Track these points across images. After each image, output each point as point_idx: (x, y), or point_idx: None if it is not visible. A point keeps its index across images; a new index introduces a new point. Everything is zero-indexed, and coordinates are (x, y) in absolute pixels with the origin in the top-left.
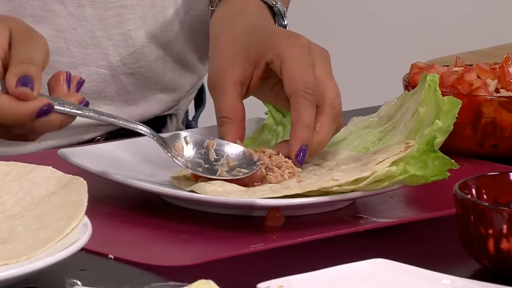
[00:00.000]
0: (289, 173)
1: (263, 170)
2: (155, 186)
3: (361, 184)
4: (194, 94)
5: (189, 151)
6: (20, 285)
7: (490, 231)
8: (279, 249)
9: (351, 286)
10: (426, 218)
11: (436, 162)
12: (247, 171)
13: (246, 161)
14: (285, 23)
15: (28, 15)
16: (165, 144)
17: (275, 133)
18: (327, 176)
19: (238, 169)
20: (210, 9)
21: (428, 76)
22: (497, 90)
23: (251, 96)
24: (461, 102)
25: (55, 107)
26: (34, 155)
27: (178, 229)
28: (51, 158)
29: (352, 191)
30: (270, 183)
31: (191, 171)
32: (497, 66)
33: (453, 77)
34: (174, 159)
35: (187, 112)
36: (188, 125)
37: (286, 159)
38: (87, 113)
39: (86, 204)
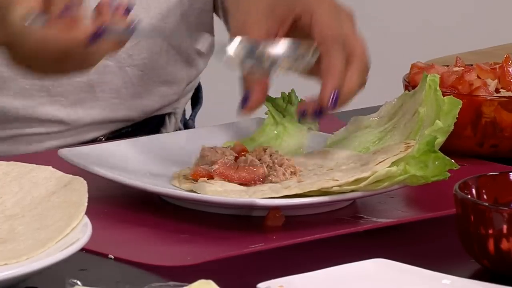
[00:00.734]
0: (291, 172)
1: (265, 168)
2: (155, 186)
3: (361, 184)
4: (191, 93)
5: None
6: (20, 285)
7: (490, 231)
8: (279, 249)
9: (351, 286)
10: (426, 218)
11: (436, 163)
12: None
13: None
14: None
15: None
16: None
17: (275, 133)
18: (327, 176)
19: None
20: None
21: (428, 76)
22: (497, 90)
23: None
24: (461, 102)
25: (107, 29)
26: (34, 155)
27: (178, 229)
28: (52, 158)
29: (352, 191)
30: (272, 181)
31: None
32: (497, 66)
33: (453, 77)
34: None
35: (184, 111)
36: (185, 124)
37: (288, 157)
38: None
39: (86, 204)
